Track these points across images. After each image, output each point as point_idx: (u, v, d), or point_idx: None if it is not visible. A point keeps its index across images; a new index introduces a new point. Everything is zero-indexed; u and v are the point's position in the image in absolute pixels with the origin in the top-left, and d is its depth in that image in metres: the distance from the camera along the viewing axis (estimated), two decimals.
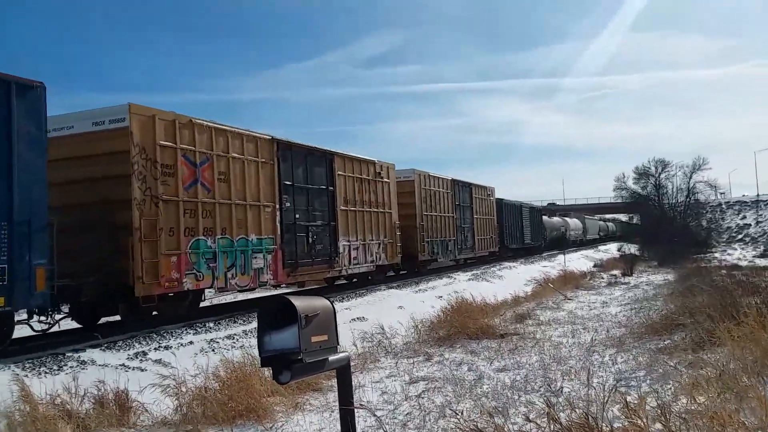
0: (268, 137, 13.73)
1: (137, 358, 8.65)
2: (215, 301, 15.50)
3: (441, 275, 21.79)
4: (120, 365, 8.22)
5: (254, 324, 10.12)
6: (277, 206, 13.70)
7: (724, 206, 67.70)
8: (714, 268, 22.92)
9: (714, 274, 18.11)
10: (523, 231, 36.25)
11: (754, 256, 37.97)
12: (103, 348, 8.92)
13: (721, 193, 62.24)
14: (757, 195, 72.58)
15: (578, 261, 33.89)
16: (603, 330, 10.44)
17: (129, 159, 10.23)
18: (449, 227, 24.03)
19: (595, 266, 31.26)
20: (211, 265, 11.62)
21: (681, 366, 6.53)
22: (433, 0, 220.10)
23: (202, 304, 12.90)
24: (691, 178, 44.69)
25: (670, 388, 5.62)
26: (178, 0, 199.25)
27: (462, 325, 10.77)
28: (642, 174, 46.10)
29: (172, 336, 9.96)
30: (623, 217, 71.08)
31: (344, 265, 16.45)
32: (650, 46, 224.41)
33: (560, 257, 33.10)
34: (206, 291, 12.55)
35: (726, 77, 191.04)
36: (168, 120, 11.06)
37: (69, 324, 10.90)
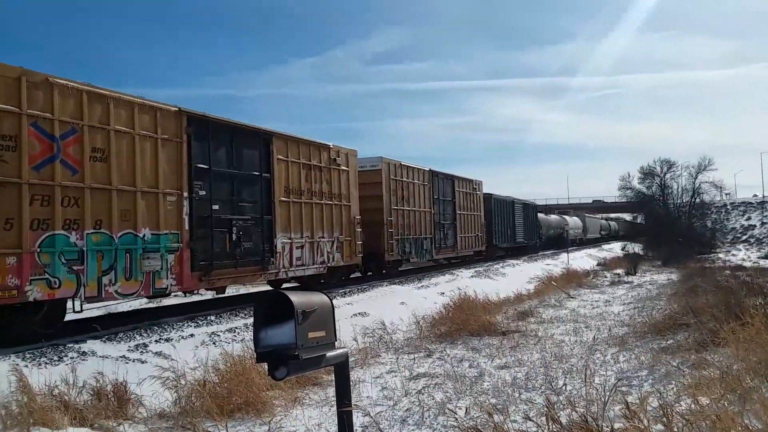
0: (173, 108, 11.11)
1: (138, 350, 8.64)
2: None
3: (444, 272, 21.74)
4: (120, 357, 8.20)
5: None
6: (185, 195, 11.17)
7: (729, 207, 67.35)
8: (718, 269, 22.84)
9: (718, 274, 18.02)
10: (515, 229, 33.93)
11: (758, 257, 37.83)
12: (104, 339, 8.91)
13: (727, 194, 61.90)
14: (763, 196, 72.27)
15: (582, 259, 33.80)
16: (605, 329, 10.38)
17: None
18: (425, 224, 21.53)
19: (598, 265, 31.17)
20: (75, 267, 9.13)
21: (684, 366, 6.47)
22: None
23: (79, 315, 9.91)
24: (696, 178, 44.54)
25: (673, 389, 5.57)
26: None
27: (464, 322, 10.73)
28: (647, 174, 45.96)
29: (173, 328, 9.95)
30: (628, 217, 70.86)
31: (283, 267, 13.88)
32: (658, 46, 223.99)
33: (563, 256, 33.00)
34: (77, 301, 9.38)
35: (733, 78, 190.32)
36: (10, 77, 8.58)
37: None
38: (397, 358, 8.67)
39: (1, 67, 8.54)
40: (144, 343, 8.90)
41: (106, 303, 11.58)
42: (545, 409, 3.72)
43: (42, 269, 8.73)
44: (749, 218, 65.65)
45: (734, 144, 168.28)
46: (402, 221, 19.65)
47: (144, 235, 10.30)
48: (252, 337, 3.83)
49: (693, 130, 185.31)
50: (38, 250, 8.67)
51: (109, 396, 6.21)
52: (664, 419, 3.29)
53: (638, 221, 56.88)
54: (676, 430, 3.18)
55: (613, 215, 73.78)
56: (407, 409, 6.02)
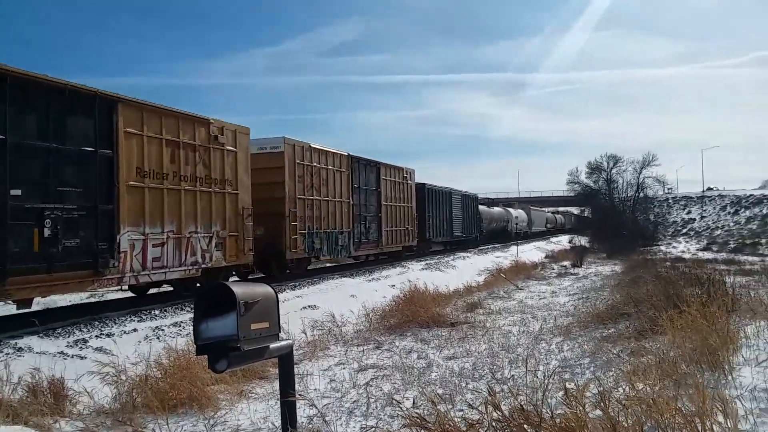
0: None
1: (77, 345, 8.36)
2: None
3: (395, 264, 21.81)
4: (58, 353, 7.92)
5: None
6: None
7: (671, 201, 69.88)
8: (659, 260, 23.63)
9: (659, 265, 18.61)
10: (452, 222, 31.52)
11: (697, 249, 39.35)
12: (41, 335, 8.58)
13: (669, 189, 64.17)
14: (702, 191, 75.19)
15: (531, 252, 34.47)
16: (551, 319, 10.59)
17: None
18: (342, 216, 19.21)
19: (546, 257, 31.84)
20: None
21: (624, 354, 6.65)
22: None
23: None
24: (640, 173, 46.15)
25: (612, 375, 5.71)
26: None
27: (413, 314, 10.77)
28: (594, 169, 47.35)
29: (115, 323, 9.67)
30: (575, 211, 72.67)
31: (131, 271, 10.92)
32: (613, 45, 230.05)
33: (513, 248, 33.57)
34: None
35: (680, 77, 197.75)
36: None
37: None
38: (346, 350, 8.65)
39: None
40: (84, 339, 8.62)
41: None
42: (488, 397, 3.75)
43: None
44: (689, 212, 68.25)
45: (679, 140, 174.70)
46: (311, 213, 17.24)
47: None
48: None
49: (643, 126, 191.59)
50: None
51: (45, 392, 5.97)
52: (602, 404, 3.36)
53: (585, 215, 58.48)
54: (612, 414, 3.24)
55: (561, 209, 75.47)
56: (355, 401, 6.00)
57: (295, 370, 4.77)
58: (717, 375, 4.70)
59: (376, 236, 21.92)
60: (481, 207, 39.65)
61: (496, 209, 46.34)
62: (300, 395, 4.59)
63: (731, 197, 68.31)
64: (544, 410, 3.42)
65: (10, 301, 9.50)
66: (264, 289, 3.97)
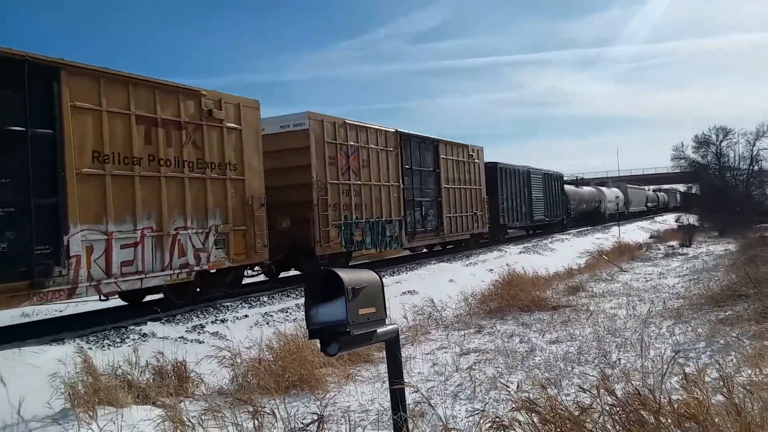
0: None
1: (195, 330, 8.91)
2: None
3: (491, 248, 21.57)
4: (179, 338, 8.48)
5: None
6: None
7: None
8: None
9: None
10: (531, 205, 28.00)
11: None
12: (163, 321, 9.22)
13: None
14: None
15: (634, 232, 33.00)
16: (660, 301, 10.15)
17: None
18: (390, 202, 16.45)
19: (651, 237, 30.38)
20: None
21: (744, 337, 6.28)
22: None
23: None
24: (754, 145, 42.84)
25: (732, 360, 5.42)
26: None
27: (513, 298, 10.66)
28: (702, 143, 44.47)
29: (228, 310, 10.21)
30: (681, 188, 68.69)
31: (88, 279, 8.71)
32: (701, 10, 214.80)
33: (614, 229, 32.28)
34: None
35: None
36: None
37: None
38: (447, 334, 8.70)
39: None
40: (201, 324, 9.17)
41: None
42: (599, 381, 3.68)
43: None
44: None
45: None
46: (348, 200, 14.74)
47: None
48: (303, 316, 3.91)
49: (749, 95, 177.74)
50: None
51: (170, 375, 6.43)
52: (725, 390, 3.21)
53: (693, 191, 55.22)
54: (737, 401, 3.09)
55: (666, 186, 71.53)
56: (458, 384, 6.05)
57: None
58: None
59: (436, 224, 19.06)
60: (567, 187, 35.68)
61: (586, 189, 41.85)
62: (407, 382, 4.68)
63: None
64: (660, 395, 3.31)
65: None
66: (369, 275, 4.07)
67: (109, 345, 7.92)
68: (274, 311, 10.25)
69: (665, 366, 4.53)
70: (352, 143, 15.11)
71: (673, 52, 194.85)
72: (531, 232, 30.49)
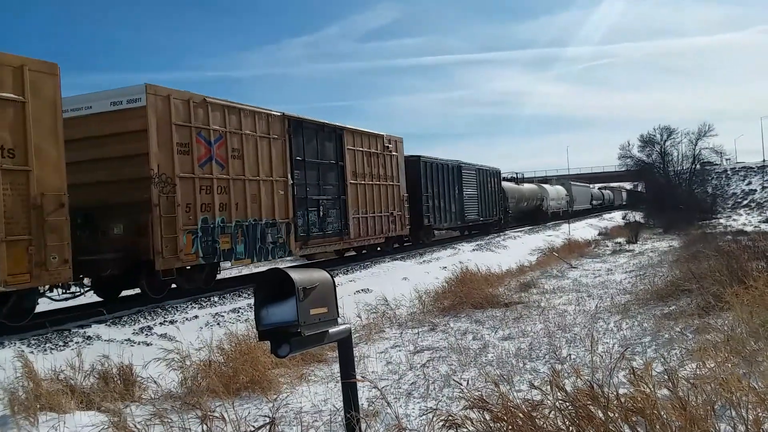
0: None
1: (143, 332, 8.67)
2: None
3: (445, 246, 21.73)
4: (125, 340, 8.24)
5: None
6: None
7: (729, 172, 67.25)
8: (719, 234, 22.89)
9: (720, 239, 18.03)
10: (463, 204, 25.46)
11: (759, 221, 37.83)
12: (108, 323, 8.93)
13: (727, 160, 61.83)
14: (763, 160, 72.05)
15: (583, 230, 33.81)
16: (608, 297, 10.40)
17: None
18: (273, 201, 13.52)
19: (599, 234, 31.18)
20: None
21: (687, 331, 6.48)
22: None
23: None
24: (696, 144, 44.63)
25: (677, 354, 5.58)
26: None
27: (466, 295, 10.75)
28: (647, 142, 46.04)
29: (177, 311, 9.98)
30: (628, 186, 70.74)
31: None
32: (652, 14, 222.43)
33: (565, 226, 32.98)
34: None
35: (731, 43, 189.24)
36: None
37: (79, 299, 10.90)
38: (401, 332, 8.70)
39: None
40: (149, 326, 8.93)
41: None
42: (550, 377, 3.72)
43: None
44: (750, 183, 65.51)
45: (734, 109, 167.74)
46: (210, 199, 11.70)
47: None
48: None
49: (692, 97, 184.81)
50: None
51: (116, 379, 6.23)
52: (670, 383, 3.29)
53: (639, 190, 56.95)
54: (681, 394, 3.17)
55: (614, 184, 73.50)
56: (412, 383, 6.04)
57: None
58: None
59: (339, 226, 16.21)
60: (505, 184, 33.63)
61: (527, 186, 39.44)
62: (362, 377, 4.65)
63: None
64: (608, 390, 3.37)
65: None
66: (321, 275, 4.02)
67: (52, 349, 7.64)
68: (225, 311, 10.08)
69: (613, 361, 4.62)
70: (216, 127, 12.01)
71: (623, 53, 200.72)
72: (466, 233, 28.53)
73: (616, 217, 47.55)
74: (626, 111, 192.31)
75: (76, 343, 7.92)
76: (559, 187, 45.12)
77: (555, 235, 28.65)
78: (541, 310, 9.61)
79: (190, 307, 10.31)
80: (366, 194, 17.77)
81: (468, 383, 5.52)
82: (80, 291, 10.81)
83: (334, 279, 4.14)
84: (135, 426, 4.43)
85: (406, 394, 5.67)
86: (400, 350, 7.62)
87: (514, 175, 38.45)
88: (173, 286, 11.56)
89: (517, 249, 22.69)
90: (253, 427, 4.40)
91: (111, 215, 10.74)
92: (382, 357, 7.32)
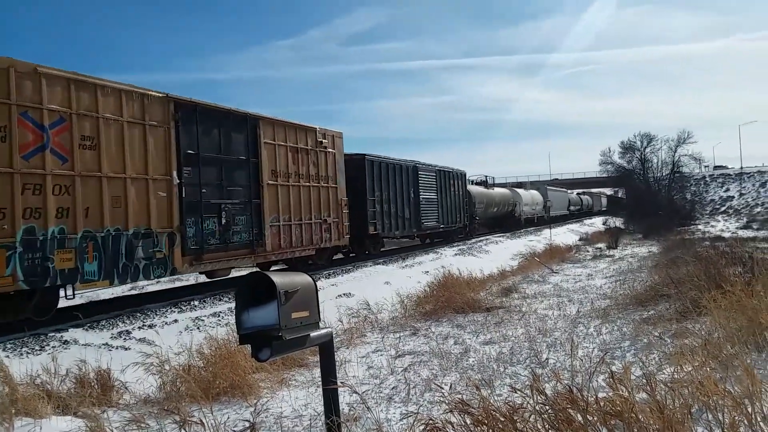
0: None
1: (121, 337, 8.57)
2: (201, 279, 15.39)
3: (428, 250, 21.76)
4: (103, 344, 8.13)
5: None
6: None
7: (708, 179, 68.32)
8: (698, 240, 23.15)
9: (698, 245, 18.25)
10: (419, 209, 22.76)
11: (737, 228, 38.39)
12: (86, 328, 8.81)
13: (705, 166, 62.76)
14: (741, 168, 73.23)
15: (564, 235, 34.09)
16: (588, 302, 10.48)
17: None
18: (147, 205, 10.78)
19: (580, 240, 31.46)
20: None
21: (665, 336, 6.55)
22: None
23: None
24: (676, 151, 45.18)
25: (655, 358, 5.64)
26: None
27: (448, 300, 10.76)
28: (627, 148, 46.55)
29: (157, 314, 9.88)
30: (608, 192, 71.49)
31: None
32: (637, 21, 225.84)
33: (546, 231, 33.22)
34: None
35: (711, 52, 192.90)
36: None
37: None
38: (383, 337, 8.69)
39: None
40: (127, 330, 8.83)
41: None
42: (530, 381, 3.73)
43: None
44: (728, 189, 66.61)
45: (714, 116, 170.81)
46: (42, 201, 8.99)
47: None
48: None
49: (674, 104, 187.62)
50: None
51: (93, 383, 6.15)
52: (648, 387, 3.32)
53: (619, 195, 57.53)
54: (659, 398, 3.20)
55: (595, 190, 74.26)
56: (394, 387, 6.04)
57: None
58: (764, 356, 4.60)
59: (250, 236, 13.23)
60: (473, 188, 30.98)
61: (498, 190, 36.19)
62: (342, 383, 4.63)
63: None
64: (587, 394, 3.39)
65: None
66: (303, 278, 4.00)
67: (28, 353, 7.52)
68: (205, 315, 9.99)
69: (593, 365, 4.66)
70: (55, 107, 9.27)
71: (607, 60, 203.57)
72: (428, 241, 26.23)
73: (596, 223, 47.99)
74: (610, 117, 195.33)
75: (52, 347, 7.80)
76: (534, 192, 43.33)
77: (537, 240, 28.85)
78: (522, 314, 9.66)
79: (169, 311, 10.21)
80: (291, 197, 14.85)
81: (449, 387, 5.53)
82: None
83: (316, 283, 4.13)
84: (112, 431, 4.36)
85: (387, 399, 5.66)
86: (381, 355, 7.61)
87: (483, 178, 35.20)
88: None
89: (499, 254, 22.80)
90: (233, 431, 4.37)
91: None
92: (363, 361, 7.30)
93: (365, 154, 19.19)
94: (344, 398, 5.39)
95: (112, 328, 8.89)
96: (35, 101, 8.98)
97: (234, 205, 12.82)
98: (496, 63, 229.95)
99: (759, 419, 2.98)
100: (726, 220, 48.53)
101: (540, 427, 3.23)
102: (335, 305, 10.69)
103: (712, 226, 40.36)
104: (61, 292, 9.62)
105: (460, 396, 4.29)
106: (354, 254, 19.47)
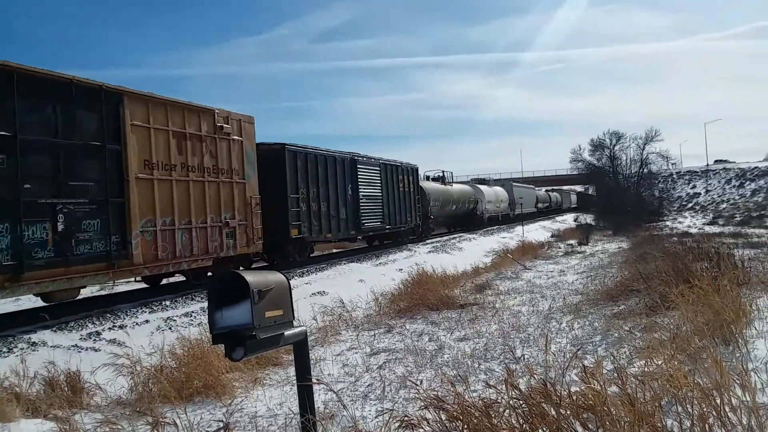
0: None
1: (90, 338, 8.41)
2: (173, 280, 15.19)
3: (401, 248, 21.80)
4: (72, 346, 7.98)
5: None
6: None
7: (675, 176, 69.69)
8: (666, 236, 23.61)
9: (666, 241, 18.61)
10: (358, 207, 19.70)
11: (703, 224, 39.20)
12: (54, 329, 8.64)
13: (673, 164, 63.99)
14: (707, 165, 74.83)
15: (536, 231, 34.45)
16: (560, 298, 10.61)
17: None
18: None
19: (552, 236, 31.82)
20: None
21: (635, 330, 6.66)
22: None
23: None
24: (644, 149, 46.02)
25: (626, 352, 5.73)
26: None
27: (422, 297, 10.80)
28: (597, 146, 47.28)
29: (127, 315, 9.72)
30: (579, 188, 72.44)
31: None
32: (606, 21, 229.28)
33: (518, 228, 33.54)
34: None
35: (676, 51, 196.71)
36: None
37: (17, 305, 10.53)
38: (358, 335, 8.69)
39: None
40: (97, 331, 8.67)
41: None
42: (505, 377, 3.77)
43: None
44: (694, 186, 68.05)
45: (680, 114, 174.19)
46: None
47: None
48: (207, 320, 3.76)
49: (641, 102, 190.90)
50: None
51: (63, 385, 6.04)
52: (619, 381, 3.37)
53: (590, 192, 58.34)
54: (630, 391, 3.25)
55: (566, 187, 75.18)
56: (369, 385, 6.04)
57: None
58: (731, 348, 4.71)
59: (107, 246, 10.22)
60: (427, 184, 28.43)
61: (457, 186, 33.31)
62: (317, 380, 4.61)
63: (736, 170, 68.07)
64: (560, 388, 3.43)
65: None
66: (276, 277, 3.99)
67: None
68: (177, 315, 9.87)
69: (565, 360, 4.72)
70: None
71: (578, 59, 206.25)
72: (375, 243, 23.82)
73: (568, 220, 48.58)
74: (582, 116, 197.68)
75: (20, 349, 7.63)
76: (499, 189, 40.88)
77: (509, 237, 29.10)
78: (496, 311, 9.74)
79: (140, 311, 10.06)
80: (175, 195, 11.69)
81: (424, 384, 5.56)
82: None
83: (290, 281, 4.11)
84: None
85: (363, 396, 5.66)
86: (356, 352, 7.61)
87: (441, 174, 32.43)
88: None
89: (472, 251, 22.94)
90: None
91: None
92: (338, 359, 7.29)
93: (285, 144, 16.08)
94: (319, 396, 5.38)
95: (82, 330, 8.72)
96: None
97: (79, 205, 9.78)
98: (468, 61, 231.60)
99: (727, 410, 3.05)
100: (693, 216, 49.58)
101: (514, 421, 3.26)
102: (310, 303, 10.65)
103: (680, 222, 41.20)
104: None
105: (435, 392, 4.31)
106: (276, 262, 16.18)
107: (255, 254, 14.77)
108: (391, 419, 3.80)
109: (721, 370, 3.32)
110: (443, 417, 3.44)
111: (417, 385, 4.94)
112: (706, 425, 2.97)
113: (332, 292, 12.07)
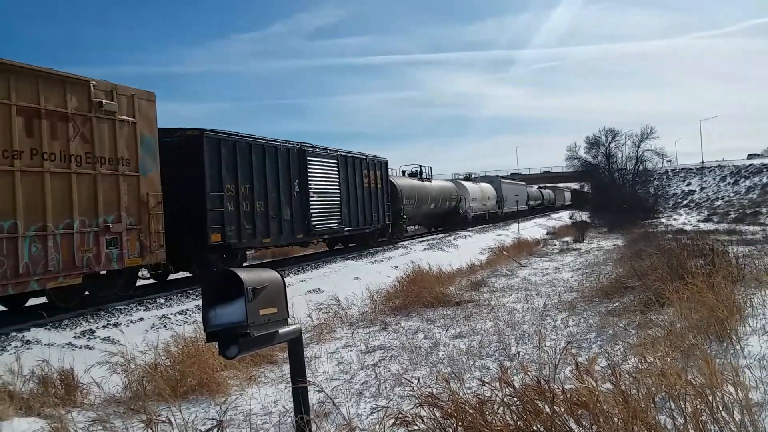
0: None
1: (85, 336, 8.38)
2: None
3: (397, 246, 21.80)
4: (67, 344, 7.95)
5: None
6: None
7: (670, 173, 69.79)
8: (661, 233, 23.66)
9: (661, 238, 18.65)
10: (308, 207, 16.71)
11: (698, 221, 39.34)
12: (48, 327, 8.60)
13: (668, 161, 64.08)
14: (702, 162, 75.00)
15: (532, 229, 34.50)
16: (555, 295, 10.63)
17: None
18: None
19: (548, 233, 31.88)
20: None
21: (630, 327, 6.68)
22: None
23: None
24: (639, 146, 46.08)
25: (620, 349, 5.74)
26: None
27: (417, 294, 10.81)
28: (593, 143, 47.31)
29: (122, 313, 9.69)
30: (574, 186, 72.44)
31: None
32: (601, 19, 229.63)
33: (515, 226, 33.57)
34: None
35: (671, 49, 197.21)
36: None
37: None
38: (353, 332, 8.68)
39: None
40: (91, 329, 8.65)
41: None
42: (499, 374, 3.77)
43: None
44: (689, 184, 68.18)
45: (675, 112, 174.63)
46: None
47: None
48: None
49: (636, 100, 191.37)
50: None
51: (56, 384, 6.02)
52: (613, 378, 3.38)
53: (585, 190, 58.42)
54: (624, 387, 3.26)
55: (561, 185, 75.13)
56: (364, 382, 6.04)
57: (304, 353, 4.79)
58: (725, 345, 4.73)
59: None
60: (400, 180, 25.31)
61: (437, 183, 30.15)
62: (310, 381, 4.61)
63: (731, 167, 68.22)
64: (554, 385, 3.44)
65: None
66: (271, 274, 3.97)
67: None
68: (172, 313, 9.85)
69: (559, 357, 4.72)
70: None
71: (575, 57, 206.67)
72: (338, 246, 21.31)
73: (563, 217, 48.67)
74: (578, 113, 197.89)
75: (14, 347, 7.59)
76: (485, 186, 37.75)
77: (505, 234, 29.13)
78: (491, 308, 9.75)
79: (135, 309, 10.03)
80: (20, 192, 8.78)
81: (419, 381, 5.56)
82: None
83: (285, 279, 4.10)
84: (77, 431, 4.28)
85: (358, 394, 5.66)
86: (351, 350, 7.61)
87: (417, 169, 28.58)
88: None
89: (468, 248, 22.96)
90: (201, 430, 4.32)
91: None
92: (333, 357, 7.29)
93: (204, 130, 13.01)
94: (314, 394, 5.37)
95: (76, 327, 8.69)
96: None
97: None
98: (464, 59, 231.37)
99: (720, 407, 3.06)
100: (688, 214, 49.70)
101: (508, 418, 3.26)
102: (305, 301, 10.64)
103: (675, 219, 41.32)
104: None
105: (429, 390, 4.31)
106: (190, 274, 13.65)
107: (155, 265, 11.67)
108: (385, 416, 3.80)
109: (713, 367, 3.33)
110: (438, 414, 3.44)
111: (411, 382, 4.94)
112: (699, 422, 2.97)
113: (328, 289, 12.07)
